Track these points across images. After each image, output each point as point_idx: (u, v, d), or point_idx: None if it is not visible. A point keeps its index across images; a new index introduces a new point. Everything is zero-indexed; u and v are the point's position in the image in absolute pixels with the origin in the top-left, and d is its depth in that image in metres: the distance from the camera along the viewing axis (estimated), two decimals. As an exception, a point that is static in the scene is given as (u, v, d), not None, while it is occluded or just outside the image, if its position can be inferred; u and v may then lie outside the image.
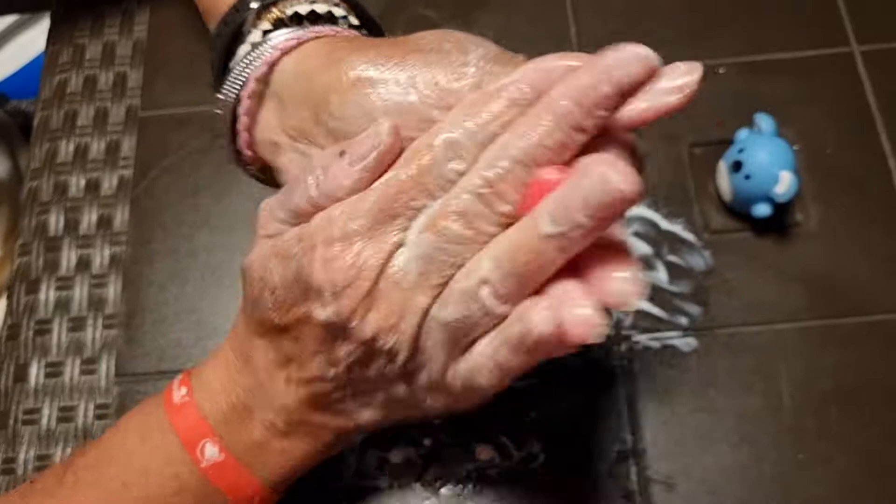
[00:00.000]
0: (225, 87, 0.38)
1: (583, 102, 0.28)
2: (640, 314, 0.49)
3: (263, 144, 0.39)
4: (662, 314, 0.49)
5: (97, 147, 0.56)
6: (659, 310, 0.49)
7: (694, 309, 0.49)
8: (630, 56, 0.28)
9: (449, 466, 0.46)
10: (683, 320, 0.49)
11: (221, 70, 0.40)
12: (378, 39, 0.38)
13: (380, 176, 0.32)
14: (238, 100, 0.38)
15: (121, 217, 0.54)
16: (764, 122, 0.49)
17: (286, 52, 0.37)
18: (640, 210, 0.52)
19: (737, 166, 0.48)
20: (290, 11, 0.38)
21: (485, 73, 0.32)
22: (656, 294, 0.50)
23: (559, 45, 0.57)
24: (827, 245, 0.51)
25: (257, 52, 0.37)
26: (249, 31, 0.38)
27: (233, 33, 0.39)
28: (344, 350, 0.32)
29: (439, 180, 0.31)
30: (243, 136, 0.39)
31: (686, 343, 0.49)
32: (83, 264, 0.53)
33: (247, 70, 0.37)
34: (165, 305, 0.51)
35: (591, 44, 0.56)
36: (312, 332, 0.33)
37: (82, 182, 0.55)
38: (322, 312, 0.32)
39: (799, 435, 0.46)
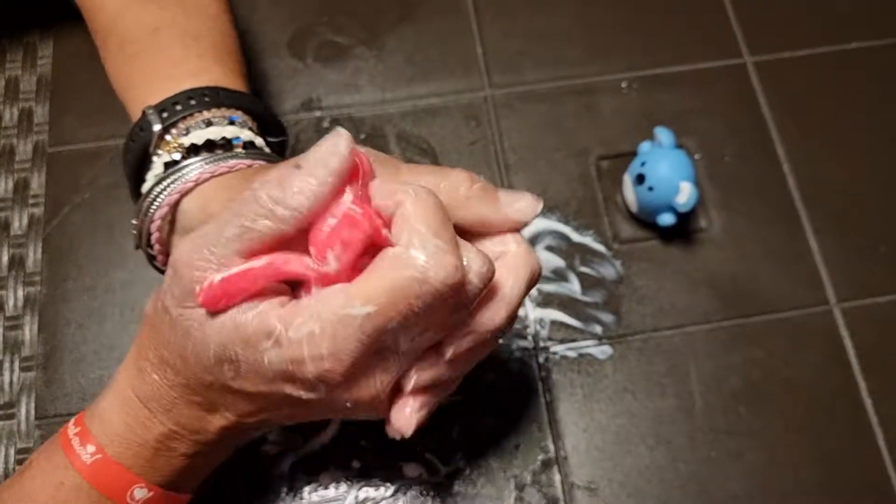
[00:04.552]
0: (138, 215, 0.40)
1: None
2: (556, 325, 0.51)
3: None
4: (577, 324, 0.51)
5: (4, 185, 0.55)
6: (574, 320, 0.51)
7: (607, 317, 0.51)
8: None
9: (378, 486, 0.47)
10: (598, 329, 0.51)
11: (135, 187, 0.42)
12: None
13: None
14: (149, 232, 0.40)
15: (33, 256, 0.53)
16: (664, 135, 0.51)
17: (184, 193, 0.39)
18: (551, 223, 0.53)
19: (640, 179, 0.50)
20: (187, 143, 0.39)
21: None
22: (571, 304, 0.51)
23: (467, 65, 0.58)
24: (731, 249, 0.53)
25: (160, 187, 0.39)
26: (155, 156, 0.40)
27: (140, 150, 0.41)
28: (293, 393, 0.33)
29: None
30: (160, 259, 0.42)
31: (602, 351, 0.50)
32: (-4, 306, 0.52)
33: (152, 207, 0.39)
34: (85, 344, 0.50)
35: (498, 64, 0.58)
36: (276, 398, 0.33)
37: (-9, 222, 0.54)
38: (302, 393, 0.32)
39: (711, 433, 0.49)
